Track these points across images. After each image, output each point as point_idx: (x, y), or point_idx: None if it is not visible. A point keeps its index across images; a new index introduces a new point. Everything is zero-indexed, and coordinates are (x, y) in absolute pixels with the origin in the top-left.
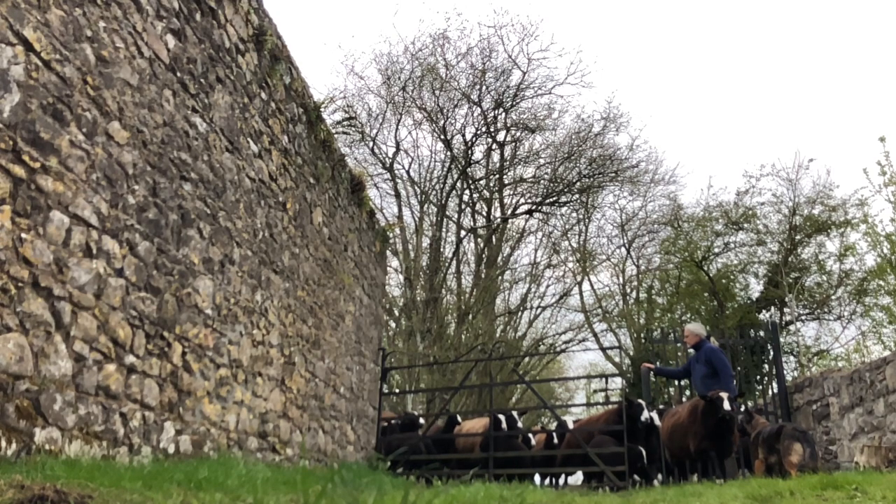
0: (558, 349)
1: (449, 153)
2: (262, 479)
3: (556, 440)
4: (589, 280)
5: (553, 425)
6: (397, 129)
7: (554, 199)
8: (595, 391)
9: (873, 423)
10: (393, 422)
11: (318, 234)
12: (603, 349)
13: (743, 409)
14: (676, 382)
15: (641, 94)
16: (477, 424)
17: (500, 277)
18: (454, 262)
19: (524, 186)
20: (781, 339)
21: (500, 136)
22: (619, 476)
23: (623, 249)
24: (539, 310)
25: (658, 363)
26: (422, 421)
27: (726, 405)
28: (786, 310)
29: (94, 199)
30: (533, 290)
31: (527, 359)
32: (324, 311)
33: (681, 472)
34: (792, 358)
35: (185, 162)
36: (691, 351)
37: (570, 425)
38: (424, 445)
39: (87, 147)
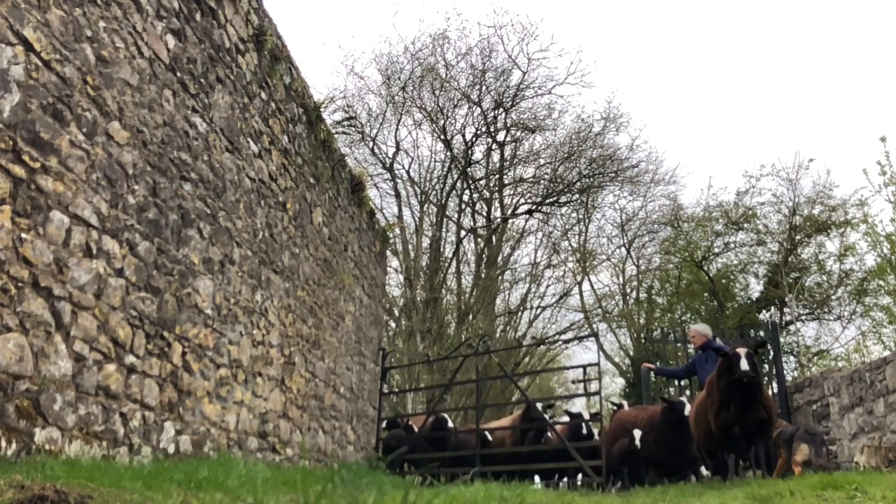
0: (537, 342)
1: (449, 153)
2: (262, 479)
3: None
4: (589, 280)
5: (564, 418)
6: (397, 129)
7: (554, 199)
8: (574, 381)
9: (873, 423)
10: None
11: (318, 234)
12: (596, 337)
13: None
14: (677, 382)
15: (641, 94)
16: (506, 421)
17: (500, 277)
18: (454, 262)
19: (524, 186)
20: (781, 339)
21: (500, 136)
22: (595, 471)
23: (623, 249)
24: (539, 310)
25: (658, 363)
26: (450, 423)
27: (744, 364)
28: (786, 310)
29: (94, 199)
30: (533, 290)
31: (527, 359)
32: (324, 311)
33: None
34: (792, 358)
35: (185, 162)
36: (691, 350)
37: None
38: (457, 444)
39: (87, 147)
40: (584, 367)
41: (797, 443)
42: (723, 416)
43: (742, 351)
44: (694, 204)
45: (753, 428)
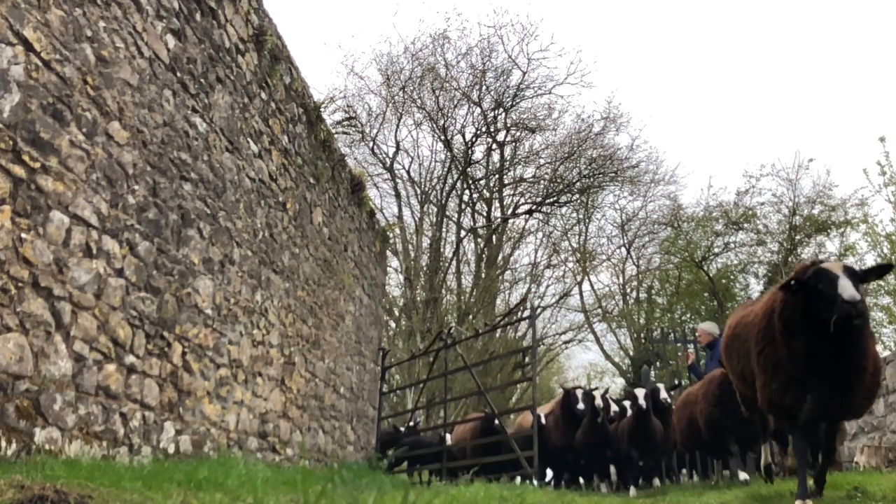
0: (487, 329)
1: (449, 153)
2: (262, 479)
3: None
4: (589, 280)
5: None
6: (397, 129)
7: (554, 199)
8: (515, 367)
9: (873, 423)
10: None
11: (318, 234)
12: (531, 319)
13: None
14: (677, 382)
15: (641, 94)
16: (543, 409)
17: (500, 277)
18: (454, 262)
19: (524, 186)
20: None
21: (500, 136)
22: (529, 462)
23: (623, 249)
24: (539, 310)
25: (658, 363)
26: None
27: (849, 288)
28: None
29: (94, 199)
30: (533, 290)
31: (526, 359)
32: (324, 311)
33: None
34: None
35: (185, 162)
36: (691, 350)
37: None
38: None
39: (87, 147)
40: (523, 350)
41: None
42: (791, 394)
43: (837, 266)
44: (694, 204)
45: (835, 412)
